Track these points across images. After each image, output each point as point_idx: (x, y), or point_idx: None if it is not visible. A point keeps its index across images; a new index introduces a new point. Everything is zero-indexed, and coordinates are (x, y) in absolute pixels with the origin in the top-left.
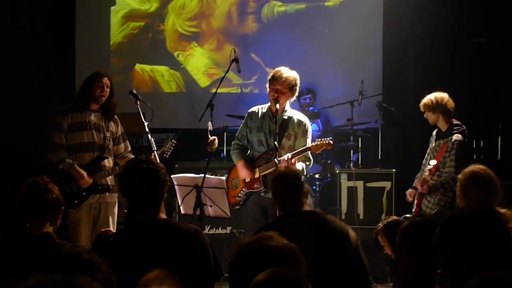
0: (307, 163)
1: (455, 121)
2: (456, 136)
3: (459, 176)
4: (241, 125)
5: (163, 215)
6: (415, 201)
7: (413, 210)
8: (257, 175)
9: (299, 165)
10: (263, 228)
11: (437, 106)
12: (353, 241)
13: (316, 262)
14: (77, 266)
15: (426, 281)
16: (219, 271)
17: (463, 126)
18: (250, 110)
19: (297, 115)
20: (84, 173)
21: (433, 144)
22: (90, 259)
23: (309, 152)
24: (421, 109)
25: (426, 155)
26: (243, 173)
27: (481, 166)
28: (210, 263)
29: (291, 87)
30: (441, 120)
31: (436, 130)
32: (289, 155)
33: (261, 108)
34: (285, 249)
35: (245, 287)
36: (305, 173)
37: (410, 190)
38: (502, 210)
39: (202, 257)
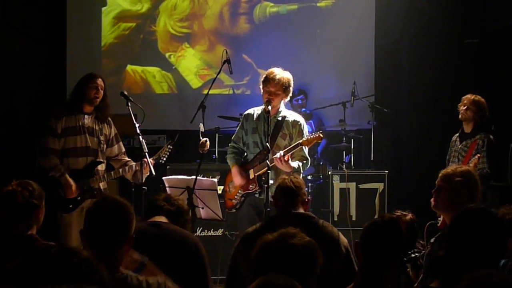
0: (304, 161)
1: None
2: (486, 135)
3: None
4: (237, 127)
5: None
6: None
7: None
8: (252, 176)
9: (295, 163)
10: (255, 230)
11: (483, 108)
12: (344, 247)
13: None
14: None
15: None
16: None
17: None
18: (246, 112)
19: (291, 115)
20: (73, 185)
21: (459, 146)
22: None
23: (306, 151)
24: (468, 103)
25: (451, 157)
26: (237, 179)
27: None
28: None
29: (284, 88)
30: (472, 121)
31: (458, 134)
32: (282, 152)
33: (256, 110)
34: (309, 246)
35: None
36: (301, 171)
37: None
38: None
39: None
